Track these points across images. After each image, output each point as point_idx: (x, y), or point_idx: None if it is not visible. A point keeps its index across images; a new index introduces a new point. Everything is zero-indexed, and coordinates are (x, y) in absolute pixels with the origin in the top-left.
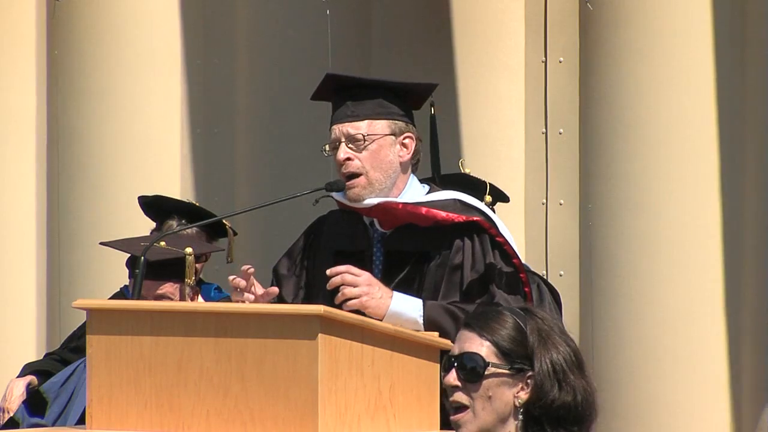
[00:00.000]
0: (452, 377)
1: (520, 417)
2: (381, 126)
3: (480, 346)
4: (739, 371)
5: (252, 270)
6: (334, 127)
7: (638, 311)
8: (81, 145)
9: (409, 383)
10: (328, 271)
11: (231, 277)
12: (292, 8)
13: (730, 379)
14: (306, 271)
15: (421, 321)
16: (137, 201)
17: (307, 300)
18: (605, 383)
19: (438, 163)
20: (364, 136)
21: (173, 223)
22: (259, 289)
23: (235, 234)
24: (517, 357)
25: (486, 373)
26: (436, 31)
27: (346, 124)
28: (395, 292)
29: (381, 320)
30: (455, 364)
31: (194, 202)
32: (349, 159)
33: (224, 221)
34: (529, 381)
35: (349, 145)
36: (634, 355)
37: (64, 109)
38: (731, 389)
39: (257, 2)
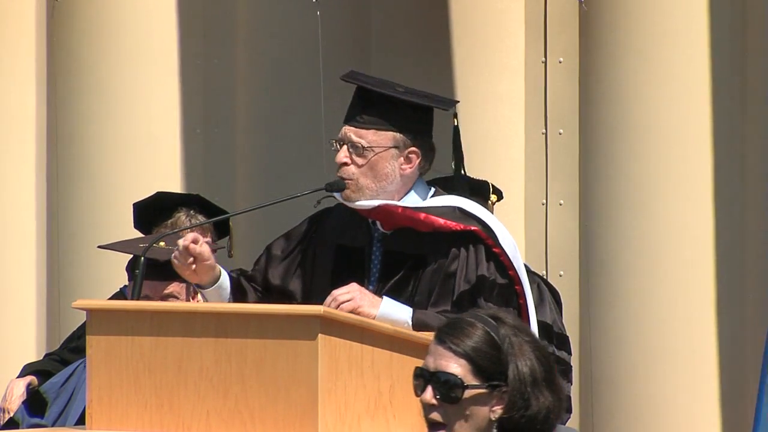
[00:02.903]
0: (429, 395)
1: (494, 430)
2: (385, 138)
3: (456, 366)
4: (739, 371)
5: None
6: (344, 126)
7: (637, 311)
8: (81, 145)
9: (409, 383)
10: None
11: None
12: (292, 8)
13: (729, 380)
14: (303, 257)
15: (410, 322)
16: (132, 207)
17: (304, 290)
18: (604, 383)
19: (461, 172)
20: (364, 146)
21: (182, 215)
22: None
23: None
24: (493, 373)
25: (464, 395)
26: (436, 31)
27: (353, 128)
28: (385, 297)
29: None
30: (431, 381)
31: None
32: (345, 164)
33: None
34: (503, 395)
35: (350, 149)
36: (633, 354)
37: (64, 109)
38: (731, 389)
39: (257, 2)
